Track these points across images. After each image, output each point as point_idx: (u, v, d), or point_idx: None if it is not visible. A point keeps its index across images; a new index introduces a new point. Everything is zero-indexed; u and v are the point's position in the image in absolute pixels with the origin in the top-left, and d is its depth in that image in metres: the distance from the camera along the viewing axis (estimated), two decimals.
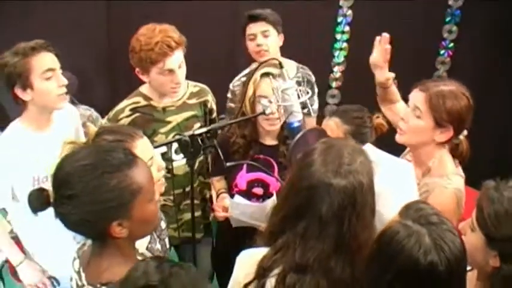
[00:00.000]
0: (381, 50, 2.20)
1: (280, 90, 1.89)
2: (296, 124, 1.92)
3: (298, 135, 1.79)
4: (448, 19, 3.71)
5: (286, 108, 1.90)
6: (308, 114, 2.20)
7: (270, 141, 2.41)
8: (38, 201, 1.28)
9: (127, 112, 2.33)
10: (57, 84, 2.11)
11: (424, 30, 3.72)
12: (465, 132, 2.00)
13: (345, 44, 3.96)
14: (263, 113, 2.01)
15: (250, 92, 2.22)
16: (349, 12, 3.87)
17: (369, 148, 1.69)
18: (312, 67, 2.99)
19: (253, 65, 2.29)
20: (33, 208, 1.29)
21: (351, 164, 1.37)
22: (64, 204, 1.26)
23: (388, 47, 2.20)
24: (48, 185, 2.12)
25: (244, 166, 2.35)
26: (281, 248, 1.40)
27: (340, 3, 3.86)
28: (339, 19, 3.89)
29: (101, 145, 1.50)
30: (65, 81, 2.13)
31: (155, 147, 1.90)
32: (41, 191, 1.29)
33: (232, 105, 2.86)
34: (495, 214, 1.42)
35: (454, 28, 3.72)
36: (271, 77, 2.10)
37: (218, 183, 2.54)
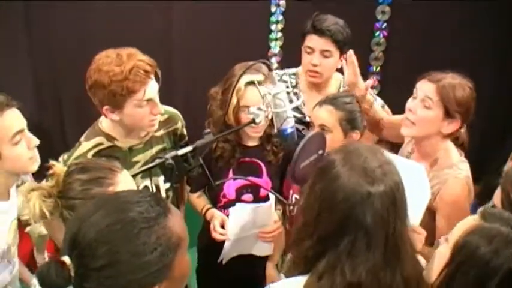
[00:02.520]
0: (350, 67, 2.24)
1: (272, 95, 1.72)
2: (289, 130, 1.77)
3: (302, 144, 1.63)
4: (380, 0, 3.69)
5: (279, 114, 1.74)
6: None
7: (253, 142, 2.24)
8: (58, 278, 0.98)
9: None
10: (27, 147, 1.79)
11: (357, 13, 3.67)
12: None
13: (280, 34, 3.84)
14: (253, 121, 1.81)
15: (234, 101, 2.01)
16: (282, 1, 3.74)
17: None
18: (248, 58, 2.80)
19: (237, 68, 2.07)
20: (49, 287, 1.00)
21: (380, 165, 1.27)
22: (91, 279, 1.00)
23: (354, 60, 2.24)
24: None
25: (231, 173, 2.16)
26: (324, 272, 1.26)
27: None
28: (273, 9, 3.75)
29: (118, 196, 1.18)
30: (36, 142, 1.81)
31: (133, 175, 1.67)
32: (60, 264, 1.00)
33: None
34: None
35: (387, 9, 3.70)
36: (258, 82, 1.91)
37: (199, 199, 2.30)
